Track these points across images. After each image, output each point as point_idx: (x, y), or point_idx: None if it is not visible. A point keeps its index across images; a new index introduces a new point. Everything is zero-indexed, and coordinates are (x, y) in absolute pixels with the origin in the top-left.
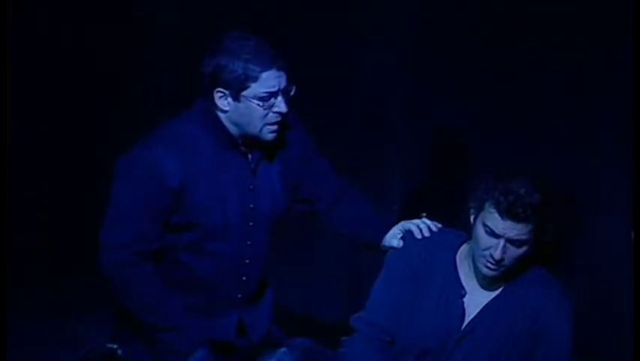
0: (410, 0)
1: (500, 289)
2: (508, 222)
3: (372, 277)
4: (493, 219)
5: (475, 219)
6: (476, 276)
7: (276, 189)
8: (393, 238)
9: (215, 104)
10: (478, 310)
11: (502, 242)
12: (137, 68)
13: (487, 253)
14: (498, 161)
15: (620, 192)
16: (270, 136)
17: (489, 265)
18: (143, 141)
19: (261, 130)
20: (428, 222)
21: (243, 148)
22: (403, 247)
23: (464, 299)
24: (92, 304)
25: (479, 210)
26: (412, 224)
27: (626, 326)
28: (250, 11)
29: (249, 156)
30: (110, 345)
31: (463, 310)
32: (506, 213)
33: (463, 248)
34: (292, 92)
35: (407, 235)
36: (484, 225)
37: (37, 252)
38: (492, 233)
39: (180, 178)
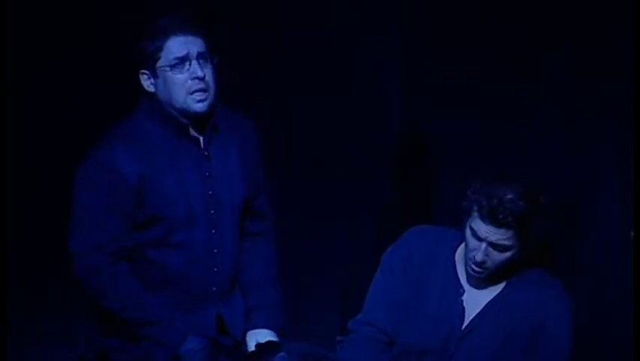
0: (411, 0)
1: (500, 288)
2: (490, 227)
3: (372, 277)
4: (477, 222)
5: (465, 221)
6: (469, 276)
7: (235, 178)
8: (252, 339)
9: (145, 91)
10: (479, 309)
11: (484, 245)
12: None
13: (471, 255)
14: (498, 161)
15: (620, 192)
16: (198, 106)
17: (473, 266)
18: (97, 143)
19: (185, 100)
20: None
21: (192, 132)
22: (401, 245)
23: (464, 298)
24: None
25: (469, 212)
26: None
27: (626, 326)
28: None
29: (200, 140)
30: (105, 345)
31: (463, 309)
32: (487, 216)
33: (462, 247)
34: (214, 61)
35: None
36: (470, 227)
37: (37, 251)
38: (475, 236)
39: (138, 173)
